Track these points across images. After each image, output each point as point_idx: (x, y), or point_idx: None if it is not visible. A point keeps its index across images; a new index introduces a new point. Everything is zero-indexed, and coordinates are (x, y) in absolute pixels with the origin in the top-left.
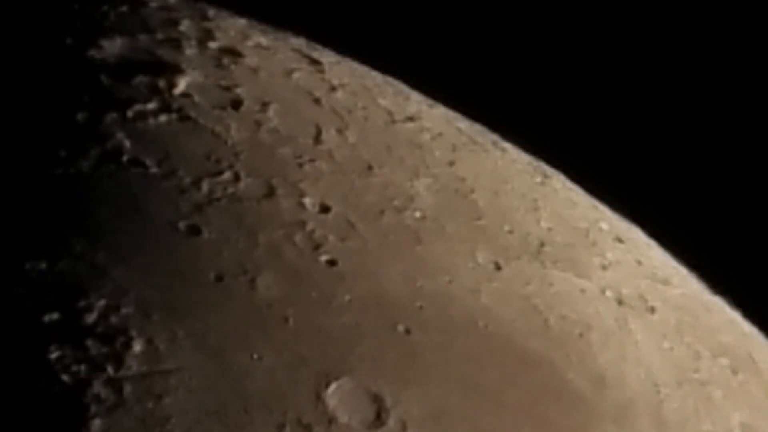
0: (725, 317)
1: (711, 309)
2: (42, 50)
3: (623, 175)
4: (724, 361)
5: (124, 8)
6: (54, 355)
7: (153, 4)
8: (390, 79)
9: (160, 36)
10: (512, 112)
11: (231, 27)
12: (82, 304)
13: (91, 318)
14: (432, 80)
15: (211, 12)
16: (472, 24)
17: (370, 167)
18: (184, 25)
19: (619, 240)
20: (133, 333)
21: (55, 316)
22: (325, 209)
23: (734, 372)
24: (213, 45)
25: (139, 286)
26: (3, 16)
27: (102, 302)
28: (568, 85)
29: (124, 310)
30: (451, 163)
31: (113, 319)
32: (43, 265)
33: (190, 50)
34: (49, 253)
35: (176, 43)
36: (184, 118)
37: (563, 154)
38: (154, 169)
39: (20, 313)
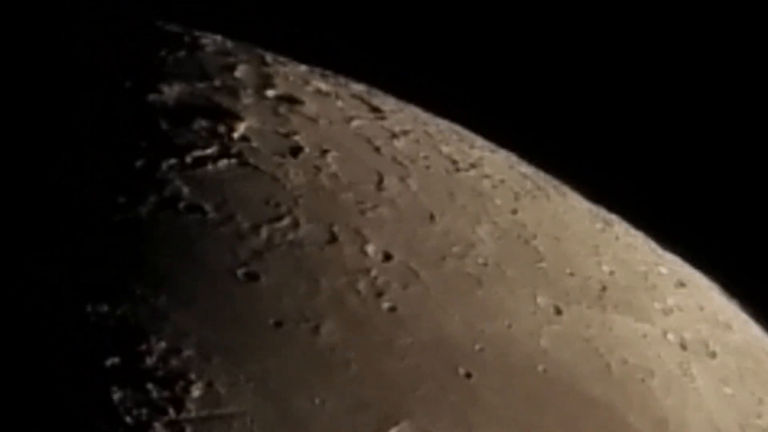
0: None
1: None
2: (102, 94)
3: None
4: None
5: (182, 53)
6: (116, 397)
7: (210, 48)
8: (453, 125)
9: (217, 82)
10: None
11: (289, 72)
12: (142, 347)
13: (151, 361)
14: (495, 122)
15: (269, 57)
16: (540, 71)
17: (432, 215)
18: (242, 71)
19: (680, 284)
20: (193, 376)
21: (116, 359)
22: (387, 256)
23: None
24: (271, 91)
25: (198, 330)
26: (64, 59)
27: (162, 345)
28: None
29: (184, 354)
30: (513, 210)
31: (174, 363)
32: (105, 308)
33: (247, 97)
34: (109, 296)
35: (234, 90)
36: (243, 163)
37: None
38: (212, 215)
39: (82, 356)
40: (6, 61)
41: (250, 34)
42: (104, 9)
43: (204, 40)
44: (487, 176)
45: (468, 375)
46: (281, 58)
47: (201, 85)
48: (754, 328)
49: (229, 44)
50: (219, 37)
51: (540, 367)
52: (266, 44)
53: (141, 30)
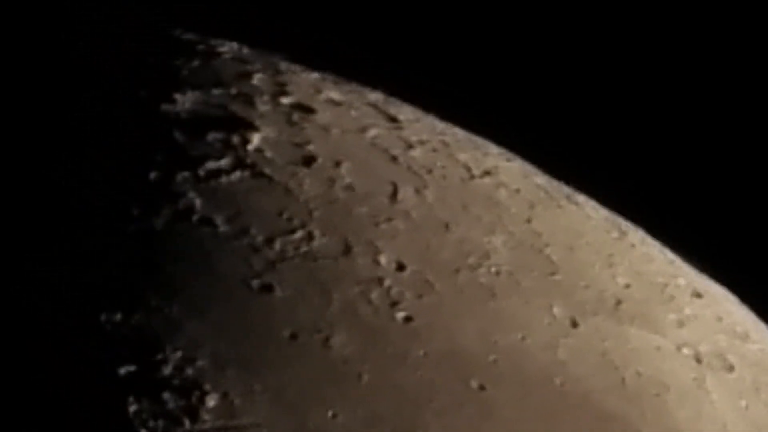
0: None
1: None
2: (116, 104)
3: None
4: None
5: (198, 62)
6: (132, 409)
7: (226, 55)
8: (469, 133)
9: (232, 91)
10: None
11: (304, 81)
12: (158, 357)
13: (167, 371)
14: (511, 130)
15: (284, 65)
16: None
17: (446, 225)
18: (257, 79)
19: (698, 295)
20: (208, 387)
21: (132, 368)
22: (401, 267)
23: None
24: (286, 100)
25: (213, 340)
26: (79, 68)
27: (177, 355)
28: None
29: (199, 364)
30: (528, 220)
31: (189, 372)
32: (119, 318)
33: (263, 106)
34: (124, 306)
35: (249, 98)
36: (257, 174)
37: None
38: (225, 227)
39: (97, 366)
40: (21, 72)
41: (264, 41)
42: (120, 18)
43: (219, 48)
44: (501, 185)
45: (482, 387)
46: (295, 66)
47: (216, 94)
48: None
49: (244, 52)
50: (234, 45)
51: (556, 380)
52: (280, 51)
53: (156, 38)
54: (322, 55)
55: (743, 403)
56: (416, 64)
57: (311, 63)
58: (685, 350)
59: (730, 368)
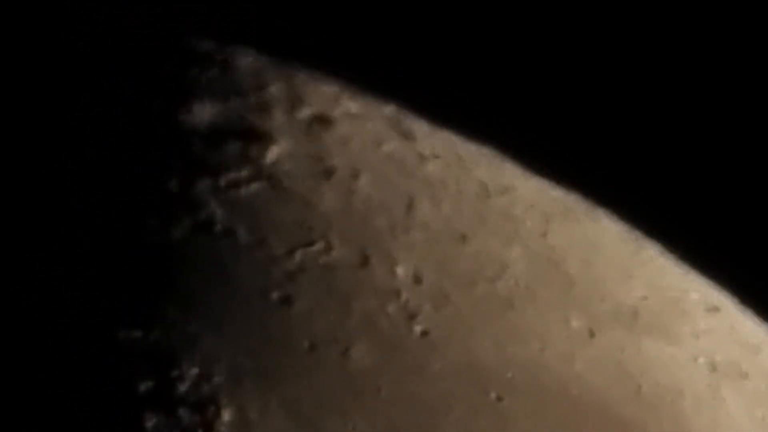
0: None
1: None
2: (133, 114)
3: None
4: None
5: (215, 71)
6: (149, 424)
7: (242, 66)
8: (485, 148)
9: (249, 102)
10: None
11: (320, 92)
12: (175, 372)
13: (184, 386)
14: (528, 143)
15: (301, 75)
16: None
17: (463, 237)
18: (274, 90)
19: (712, 308)
20: (225, 401)
21: (149, 384)
22: (418, 279)
23: None
24: (303, 112)
25: (230, 354)
26: (96, 79)
27: (194, 371)
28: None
29: (216, 378)
30: (544, 233)
31: (205, 387)
32: (138, 334)
33: (279, 117)
34: (142, 322)
35: (266, 110)
36: (275, 186)
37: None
38: (245, 239)
39: (115, 382)
40: (38, 82)
41: (281, 51)
42: (138, 28)
43: (236, 58)
44: (517, 199)
45: (499, 399)
46: (313, 77)
47: (233, 105)
48: None
49: (262, 62)
50: (251, 55)
51: (573, 391)
52: (298, 61)
53: (174, 48)
54: (339, 66)
55: (760, 413)
56: (433, 75)
57: (328, 73)
58: (701, 360)
59: (745, 378)
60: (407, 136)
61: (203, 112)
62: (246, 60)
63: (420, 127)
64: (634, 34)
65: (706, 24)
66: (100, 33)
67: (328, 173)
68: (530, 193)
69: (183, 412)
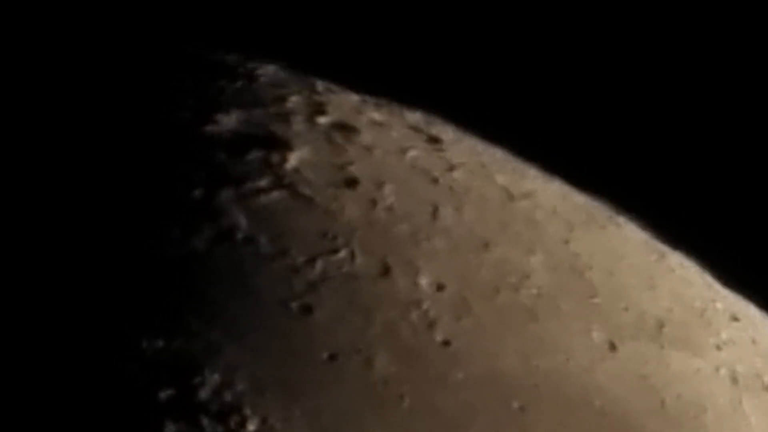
0: None
1: None
2: (159, 125)
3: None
4: None
5: (239, 83)
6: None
7: (263, 79)
8: (507, 154)
9: (272, 111)
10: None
11: (342, 102)
12: (196, 380)
13: (205, 394)
14: (551, 150)
15: (322, 85)
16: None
17: (486, 245)
18: (295, 101)
19: (735, 318)
20: (248, 411)
21: (170, 392)
22: (440, 287)
23: None
24: (324, 120)
25: (252, 363)
26: (121, 91)
27: (216, 379)
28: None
29: (238, 388)
30: (566, 241)
31: (227, 397)
32: (160, 343)
33: (300, 125)
34: (165, 331)
35: (287, 118)
36: (296, 194)
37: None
38: (266, 248)
39: (136, 390)
40: (66, 93)
41: (303, 62)
42: (164, 44)
43: (259, 71)
44: (539, 206)
45: (522, 409)
46: (334, 87)
47: (256, 114)
48: None
49: (284, 74)
50: (274, 67)
51: (596, 403)
52: (319, 72)
53: (200, 61)
54: (360, 76)
55: None
56: (459, 81)
57: (352, 83)
58: (723, 372)
59: (767, 390)
60: (431, 143)
61: (228, 123)
62: (269, 71)
63: (446, 134)
64: (664, 41)
65: (732, 30)
66: (132, 48)
67: (351, 182)
68: (553, 199)
69: (205, 421)
